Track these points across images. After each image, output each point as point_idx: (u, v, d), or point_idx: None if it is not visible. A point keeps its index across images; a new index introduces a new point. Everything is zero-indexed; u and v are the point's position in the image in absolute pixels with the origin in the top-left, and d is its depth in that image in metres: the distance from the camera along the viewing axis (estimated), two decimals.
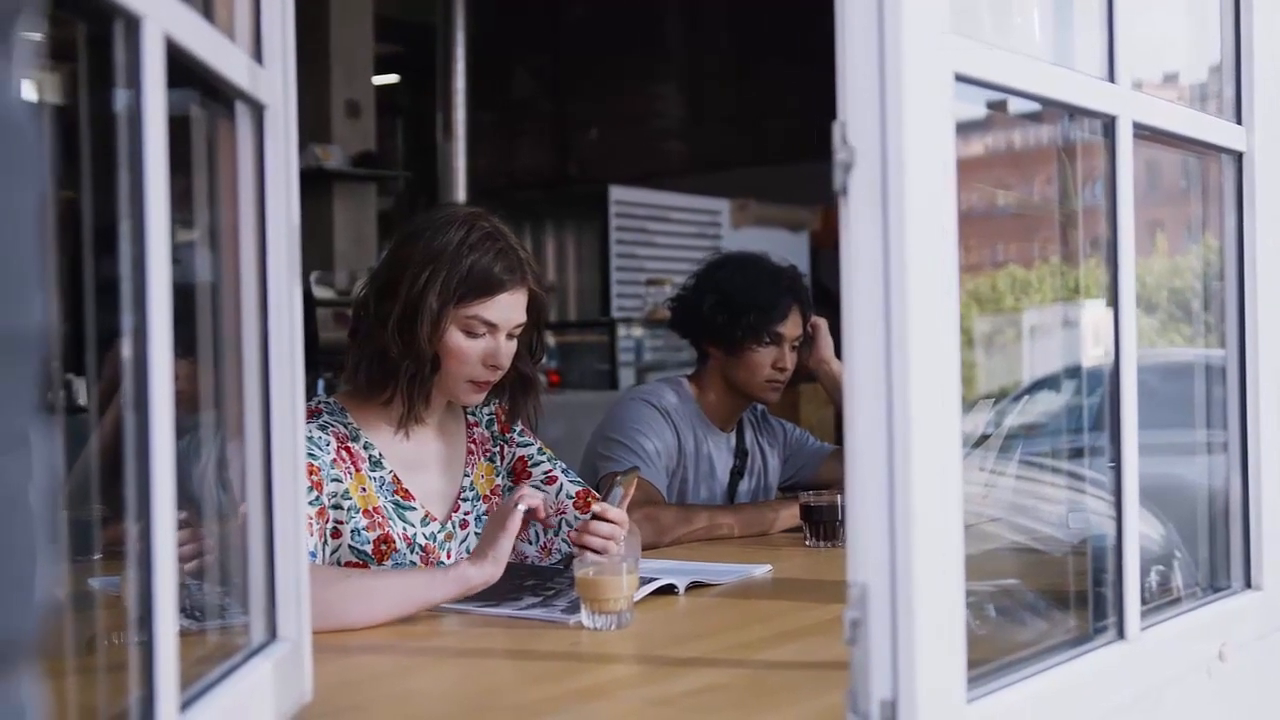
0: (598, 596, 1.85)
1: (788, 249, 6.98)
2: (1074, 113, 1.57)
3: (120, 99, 1.00)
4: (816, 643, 1.79)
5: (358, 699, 1.57)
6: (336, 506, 2.12)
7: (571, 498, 2.34)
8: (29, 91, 0.59)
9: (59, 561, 0.62)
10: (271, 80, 1.35)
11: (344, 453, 2.17)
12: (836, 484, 2.96)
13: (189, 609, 1.32)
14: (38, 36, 0.62)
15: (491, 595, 2.03)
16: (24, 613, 0.57)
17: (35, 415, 0.59)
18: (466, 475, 2.33)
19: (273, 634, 1.37)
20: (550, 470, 2.39)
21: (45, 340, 0.60)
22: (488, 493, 2.36)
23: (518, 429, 2.42)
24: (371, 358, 2.19)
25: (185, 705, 1.09)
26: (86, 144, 1.05)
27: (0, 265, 0.56)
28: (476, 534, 2.29)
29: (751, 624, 1.96)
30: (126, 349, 1.00)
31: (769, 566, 2.37)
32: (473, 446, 2.37)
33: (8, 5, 0.57)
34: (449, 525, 2.27)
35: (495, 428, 2.41)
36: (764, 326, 2.96)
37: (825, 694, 1.50)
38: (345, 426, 2.21)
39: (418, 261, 2.16)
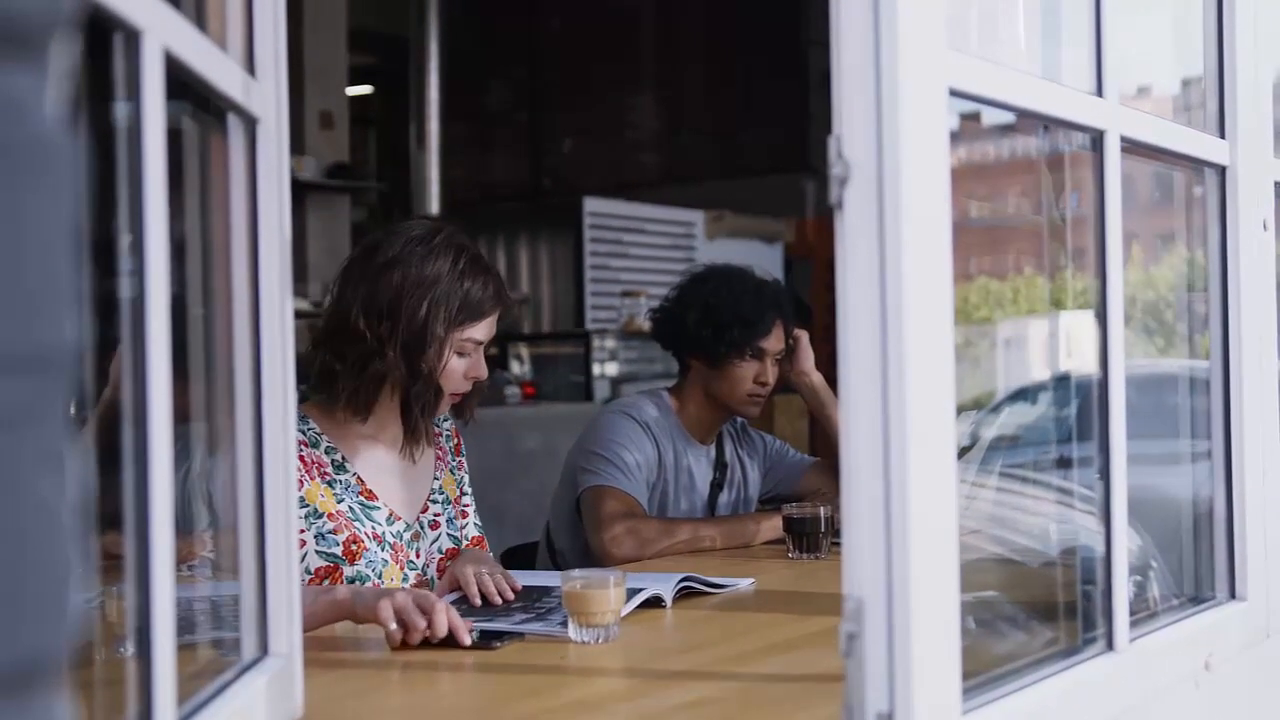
0: (585, 610, 1.85)
1: (762, 260, 6.99)
2: (1064, 127, 1.58)
3: (119, 111, 1.00)
4: (806, 655, 1.79)
5: (347, 714, 1.56)
6: None
7: (468, 539, 2.43)
8: (63, 108, 0.59)
9: (86, 579, 0.62)
10: (264, 93, 1.34)
11: (298, 460, 2.20)
12: (817, 496, 2.97)
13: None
14: (72, 54, 0.62)
15: (484, 612, 2.03)
16: (58, 630, 0.57)
17: (68, 433, 0.59)
18: (436, 479, 2.41)
19: (264, 650, 1.36)
20: (468, 506, 2.50)
21: (75, 358, 0.59)
22: (455, 498, 2.44)
23: (463, 453, 2.53)
24: (372, 381, 2.24)
25: None
26: (83, 155, 1.04)
27: (35, 283, 0.56)
28: (448, 534, 2.38)
29: (739, 637, 1.96)
30: (125, 363, 0.99)
31: (753, 580, 2.37)
32: (440, 454, 2.45)
33: (43, 23, 0.57)
34: (416, 525, 2.34)
35: (451, 444, 2.50)
36: (747, 341, 2.96)
37: (818, 706, 1.50)
38: (304, 433, 2.25)
39: (412, 290, 2.22)
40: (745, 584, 2.35)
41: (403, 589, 1.94)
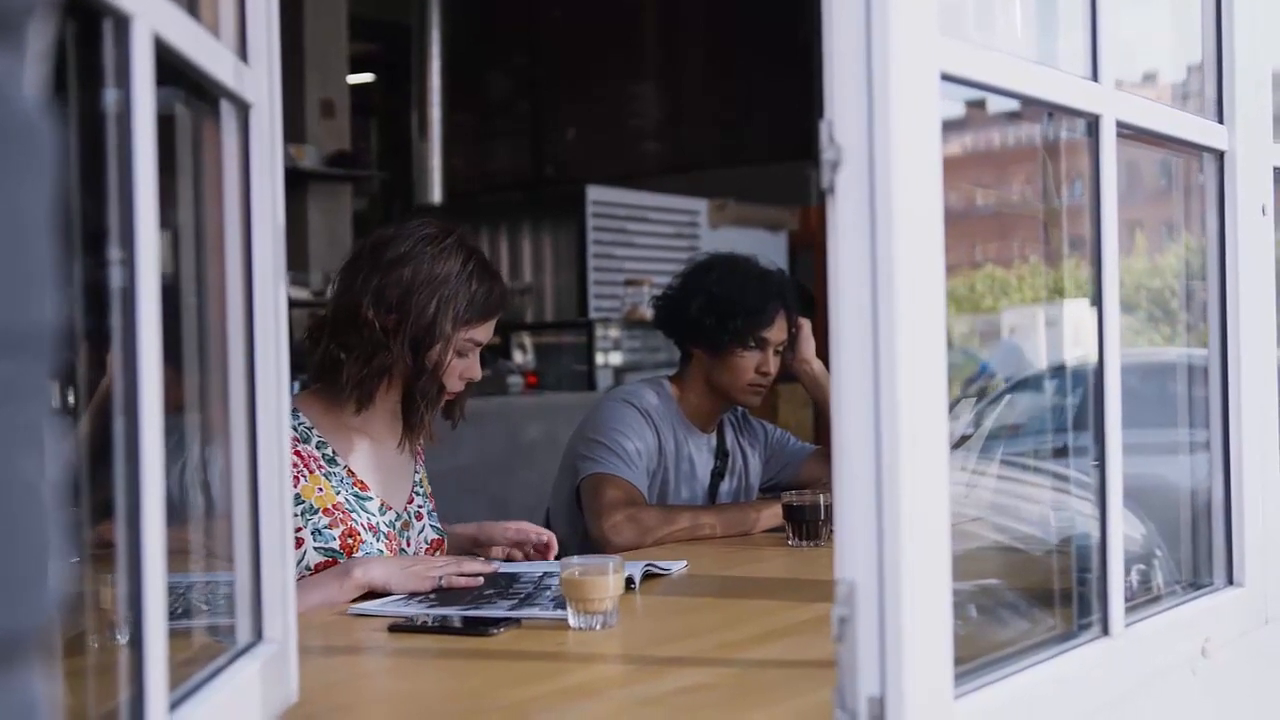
0: (583, 596, 1.85)
1: (766, 249, 6.99)
2: (1058, 112, 1.57)
3: (108, 97, 1.00)
4: (802, 641, 1.80)
5: (343, 700, 1.56)
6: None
7: (427, 543, 2.43)
8: (40, 88, 0.59)
9: (66, 558, 0.63)
10: (257, 79, 1.34)
11: (295, 456, 2.22)
12: (818, 484, 2.97)
13: (172, 610, 1.31)
14: (49, 35, 0.62)
15: (468, 600, 2.03)
16: (36, 607, 0.58)
17: (48, 412, 0.60)
18: (417, 472, 2.46)
19: (259, 635, 1.36)
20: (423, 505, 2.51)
21: (55, 338, 0.60)
22: (429, 493, 2.49)
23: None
24: (377, 373, 2.27)
25: (173, 706, 1.08)
26: (72, 142, 1.04)
27: (15, 263, 0.56)
28: (432, 526, 2.44)
29: (736, 623, 1.96)
30: (115, 352, 0.99)
31: (685, 562, 2.40)
32: (419, 449, 2.48)
33: (19, 5, 0.57)
34: (405, 515, 2.38)
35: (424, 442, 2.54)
36: (750, 331, 2.96)
37: (812, 692, 1.50)
38: (295, 428, 2.26)
39: (422, 286, 2.25)
40: (679, 566, 2.38)
41: (406, 559, 2.20)
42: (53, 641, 0.62)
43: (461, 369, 2.32)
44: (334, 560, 2.20)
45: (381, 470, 2.36)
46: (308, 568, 2.19)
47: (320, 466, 2.26)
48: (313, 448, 2.28)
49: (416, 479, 2.45)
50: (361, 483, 2.31)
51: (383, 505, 2.33)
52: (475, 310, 2.30)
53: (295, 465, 2.21)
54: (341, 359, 2.26)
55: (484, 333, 2.34)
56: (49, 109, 0.59)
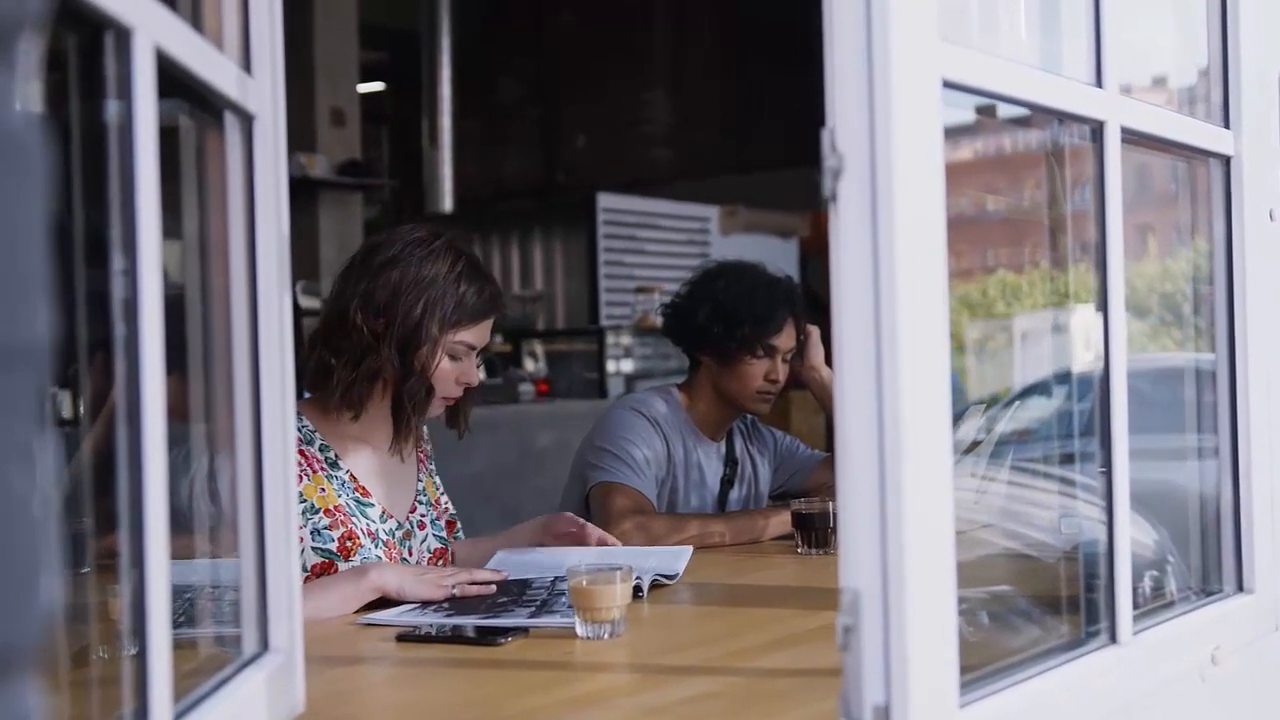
0: (591, 605, 1.85)
1: (777, 256, 6.99)
2: (1062, 118, 1.57)
3: (110, 109, 1.00)
4: (809, 650, 1.79)
5: (349, 710, 1.56)
6: None
7: (429, 553, 2.43)
8: (33, 103, 0.60)
9: (59, 572, 0.63)
10: (261, 90, 1.35)
11: (298, 455, 2.23)
12: (827, 491, 2.96)
13: (178, 619, 1.31)
14: (41, 48, 0.62)
15: (483, 609, 2.03)
16: (28, 619, 0.58)
17: (39, 425, 0.60)
18: (419, 480, 2.45)
19: (265, 645, 1.36)
20: (448, 507, 2.53)
21: (49, 352, 0.60)
22: (435, 500, 2.48)
23: (431, 457, 2.55)
24: (366, 377, 2.26)
25: (178, 717, 1.08)
26: (75, 154, 1.05)
27: (8, 278, 0.56)
28: (435, 535, 2.43)
29: (744, 632, 1.96)
30: (118, 362, 0.99)
31: (689, 548, 2.42)
32: (422, 457, 2.49)
33: (11, 18, 0.57)
34: (407, 524, 2.38)
35: (430, 450, 2.54)
36: (758, 339, 2.96)
37: (819, 700, 1.50)
38: (299, 431, 2.27)
39: (409, 288, 2.25)
40: (684, 555, 2.39)
41: (420, 569, 2.20)
42: (47, 655, 0.62)
43: (457, 373, 2.31)
44: (331, 562, 2.21)
45: (384, 478, 2.36)
46: (304, 567, 2.19)
47: (323, 468, 2.27)
48: (316, 450, 2.28)
49: (419, 488, 2.45)
50: (363, 489, 2.31)
51: (384, 513, 2.33)
52: (464, 312, 2.29)
53: (298, 464, 2.21)
54: (332, 365, 2.26)
55: (475, 336, 2.32)
56: (43, 123, 0.59)
